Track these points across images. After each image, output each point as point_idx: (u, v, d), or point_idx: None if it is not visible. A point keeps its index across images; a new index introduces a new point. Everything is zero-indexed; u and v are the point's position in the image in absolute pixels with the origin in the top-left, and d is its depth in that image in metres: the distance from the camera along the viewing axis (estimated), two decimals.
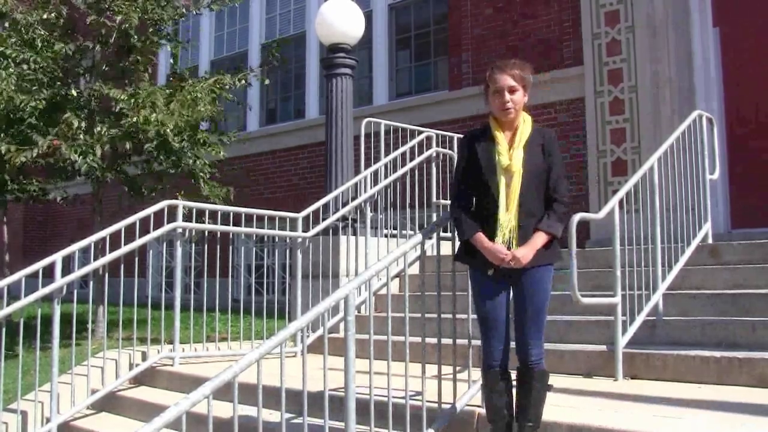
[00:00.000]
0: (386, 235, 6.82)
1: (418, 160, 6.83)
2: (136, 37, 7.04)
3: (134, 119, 6.41)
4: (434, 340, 3.79)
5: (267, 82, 8.03)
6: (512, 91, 3.30)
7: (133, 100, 6.56)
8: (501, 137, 3.33)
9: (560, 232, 3.31)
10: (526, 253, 3.22)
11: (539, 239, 3.26)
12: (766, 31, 7.18)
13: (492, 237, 3.26)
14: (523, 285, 3.31)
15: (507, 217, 3.24)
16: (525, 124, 3.37)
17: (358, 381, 3.37)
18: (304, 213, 6.32)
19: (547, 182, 3.33)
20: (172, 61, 7.90)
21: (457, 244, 3.55)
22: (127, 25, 6.97)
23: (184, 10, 7.58)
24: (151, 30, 7.34)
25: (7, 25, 7.07)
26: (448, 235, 3.95)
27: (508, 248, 3.24)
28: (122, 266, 5.42)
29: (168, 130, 6.49)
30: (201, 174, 7.25)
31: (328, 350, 3.49)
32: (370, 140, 7.58)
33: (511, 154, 3.28)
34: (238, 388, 2.94)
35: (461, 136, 3.69)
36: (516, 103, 3.31)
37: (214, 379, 2.84)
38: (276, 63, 7.99)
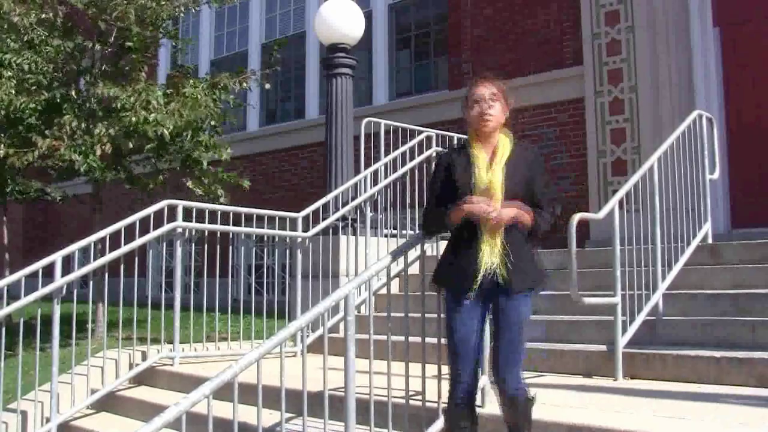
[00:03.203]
0: (386, 235, 6.82)
1: (418, 160, 6.82)
2: (134, 35, 7.03)
3: (133, 119, 6.41)
4: (434, 340, 3.79)
5: (268, 86, 8.00)
6: (492, 101, 3.15)
7: (131, 100, 6.55)
8: (479, 154, 3.15)
9: (541, 226, 3.14)
10: (508, 212, 3.03)
11: (525, 214, 3.08)
12: (766, 32, 7.18)
13: (471, 259, 3.08)
14: (500, 311, 3.10)
15: (490, 241, 3.06)
16: (505, 141, 3.20)
17: (358, 381, 3.37)
18: (303, 213, 6.32)
19: (534, 202, 3.16)
20: (171, 65, 7.86)
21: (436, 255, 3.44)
22: (125, 24, 6.96)
23: (183, 8, 7.56)
24: (151, 29, 7.32)
25: (5, 26, 7.06)
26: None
27: (492, 276, 3.06)
28: (122, 266, 5.43)
29: (166, 131, 6.49)
30: (205, 168, 7.23)
31: (328, 350, 3.49)
32: (370, 140, 7.58)
33: (491, 172, 3.11)
34: (238, 388, 2.94)
35: (461, 136, 3.62)
36: (495, 115, 3.15)
37: (214, 379, 2.84)
38: (276, 67, 7.97)
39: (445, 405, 3.66)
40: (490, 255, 3.06)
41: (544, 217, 3.17)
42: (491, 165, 3.13)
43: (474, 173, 3.12)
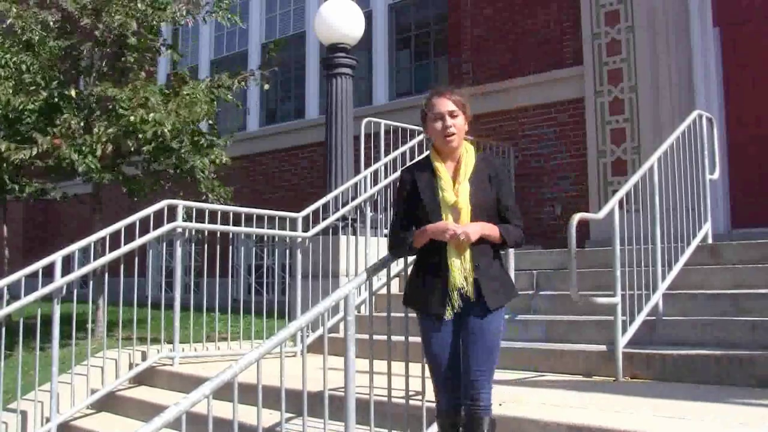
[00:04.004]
0: (386, 235, 6.81)
1: (417, 159, 6.82)
2: (133, 38, 7.01)
3: (132, 118, 6.41)
4: None
5: (267, 87, 7.96)
6: (453, 115, 3.06)
7: (130, 100, 6.54)
8: (443, 170, 3.08)
9: (510, 242, 3.10)
10: (474, 229, 2.97)
11: (491, 228, 3.03)
12: (766, 32, 7.18)
13: (441, 279, 3.02)
14: (471, 329, 3.03)
15: (459, 260, 3.00)
16: (468, 154, 3.12)
17: (358, 381, 3.37)
18: (304, 213, 6.32)
19: (499, 214, 3.10)
20: (171, 66, 7.81)
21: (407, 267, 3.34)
22: (123, 29, 6.94)
23: (185, 12, 7.54)
24: (150, 34, 7.32)
25: (3, 25, 7.06)
26: None
27: (464, 293, 3.01)
28: (122, 266, 5.43)
29: (165, 131, 6.49)
30: (201, 174, 7.21)
31: (328, 350, 3.49)
32: (370, 140, 7.58)
33: (456, 189, 3.04)
34: (238, 388, 2.94)
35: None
36: (458, 129, 3.07)
37: (214, 379, 2.84)
38: (274, 67, 7.95)
39: None
40: (461, 273, 3.01)
41: (511, 231, 3.09)
42: (456, 181, 3.07)
43: (439, 190, 3.05)
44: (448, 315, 3.02)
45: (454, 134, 3.07)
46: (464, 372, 3.04)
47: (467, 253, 3.01)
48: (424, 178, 3.11)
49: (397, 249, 3.26)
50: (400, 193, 3.20)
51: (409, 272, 3.36)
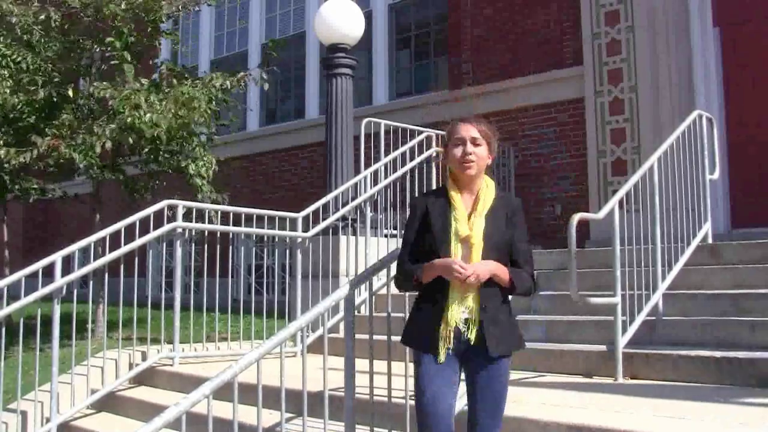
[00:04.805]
0: (386, 235, 6.82)
1: (418, 160, 6.83)
2: (112, 39, 6.97)
3: (129, 119, 6.40)
4: None
5: (267, 87, 7.90)
6: (475, 143, 2.87)
7: (127, 100, 6.53)
8: (459, 201, 2.88)
9: (519, 289, 2.87)
10: (485, 270, 2.77)
11: (501, 270, 2.82)
12: (766, 32, 7.18)
13: (437, 316, 2.81)
14: (477, 378, 2.83)
15: (460, 298, 2.80)
16: (488, 189, 2.92)
17: (358, 381, 3.38)
18: (304, 213, 6.32)
19: (511, 256, 2.90)
20: (173, 58, 7.77)
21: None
22: (115, 24, 6.92)
23: (181, 6, 7.52)
24: (150, 28, 7.31)
25: (3, 26, 7.06)
26: None
27: (462, 335, 2.80)
28: (122, 266, 5.43)
29: (161, 132, 6.47)
30: (197, 180, 7.16)
31: (328, 350, 3.49)
32: (370, 140, 7.58)
33: (471, 222, 2.84)
34: (238, 388, 2.94)
35: None
36: (479, 158, 2.87)
37: (214, 379, 2.84)
38: (273, 67, 7.94)
39: None
40: (458, 312, 2.80)
41: (523, 276, 2.89)
42: (472, 214, 2.87)
43: (453, 222, 2.85)
44: (441, 357, 2.80)
45: (473, 162, 2.87)
46: (470, 428, 2.87)
47: (474, 293, 2.81)
48: (437, 206, 2.90)
49: (403, 284, 3.01)
50: (411, 221, 2.98)
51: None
